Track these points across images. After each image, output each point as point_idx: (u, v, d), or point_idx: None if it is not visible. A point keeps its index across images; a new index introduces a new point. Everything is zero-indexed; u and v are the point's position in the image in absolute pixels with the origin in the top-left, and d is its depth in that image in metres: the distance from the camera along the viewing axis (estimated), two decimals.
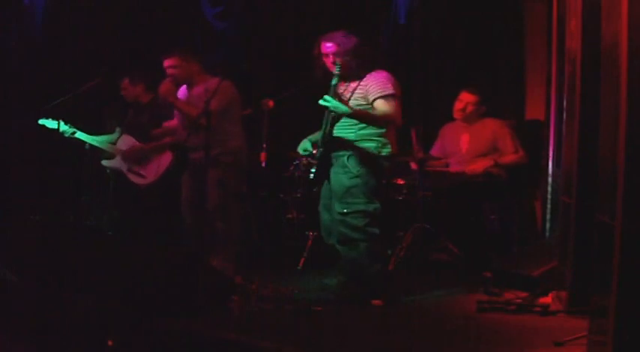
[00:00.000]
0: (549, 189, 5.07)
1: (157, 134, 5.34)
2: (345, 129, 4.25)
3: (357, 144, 4.22)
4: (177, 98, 4.72)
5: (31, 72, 6.51)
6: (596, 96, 3.49)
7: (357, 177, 4.19)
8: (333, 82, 4.15)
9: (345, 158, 4.23)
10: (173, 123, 5.11)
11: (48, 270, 4.14)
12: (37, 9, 6.56)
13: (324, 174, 4.35)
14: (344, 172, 4.23)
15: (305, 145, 4.47)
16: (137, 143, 5.59)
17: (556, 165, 4.86)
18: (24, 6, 6.51)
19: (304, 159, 5.36)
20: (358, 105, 4.19)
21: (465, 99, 5.48)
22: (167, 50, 4.80)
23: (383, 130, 4.25)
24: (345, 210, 4.19)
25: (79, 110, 5.69)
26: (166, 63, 4.76)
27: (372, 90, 4.18)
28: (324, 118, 4.25)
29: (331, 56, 4.22)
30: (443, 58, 6.08)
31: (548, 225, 5.09)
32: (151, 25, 6.58)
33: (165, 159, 5.33)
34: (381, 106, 4.16)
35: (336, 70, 4.15)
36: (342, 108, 4.09)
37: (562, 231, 4.27)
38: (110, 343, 3.43)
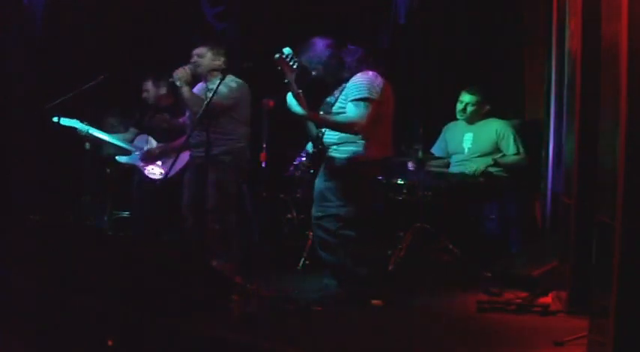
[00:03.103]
0: (549, 189, 5.07)
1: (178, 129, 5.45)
2: (329, 132, 4.24)
3: (338, 146, 4.19)
4: (186, 85, 4.72)
5: (31, 72, 6.50)
6: (596, 96, 3.49)
7: (329, 180, 4.18)
8: (286, 80, 4.08)
9: (325, 161, 4.23)
10: (183, 120, 5.17)
11: (48, 270, 4.14)
12: (37, 9, 6.56)
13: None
14: (321, 175, 4.24)
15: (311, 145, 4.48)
16: (157, 142, 5.71)
17: (556, 165, 4.85)
18: (24, 6, 6.50)
19: (304, 159, 5.36)
20: (341, 108, 4.17)
21: (465, 100, 5.48)
22: (201, 39, 4.96)
23: (365, 132, 4.15)
24: (318, 214, 4.19)
25: (82, 109, 5.70)
26: (194, 51, 4.84)
27: (350, 93, 4.13)
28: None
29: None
30: (443, 58, 6.08)
31: (548, 225, 5.09)
32: (151, 25, 6.58)
33: (184, 157, 5.32)
34: (350, 111, 4.11)
35: (292, 68, 4.08)
36: (296, 109, 4.08)
37: (562, 231, 4.27)
38: (110, 343, 3.44)
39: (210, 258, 4.53)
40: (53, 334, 3.66)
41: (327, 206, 4.16)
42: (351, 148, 4.16)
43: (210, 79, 4.79)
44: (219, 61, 4.87)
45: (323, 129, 4.25)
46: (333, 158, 4.19)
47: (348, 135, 4.15)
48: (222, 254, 4.69)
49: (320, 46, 4.24)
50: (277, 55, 4.05)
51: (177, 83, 4.67)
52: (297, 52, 4.22)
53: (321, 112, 4.26)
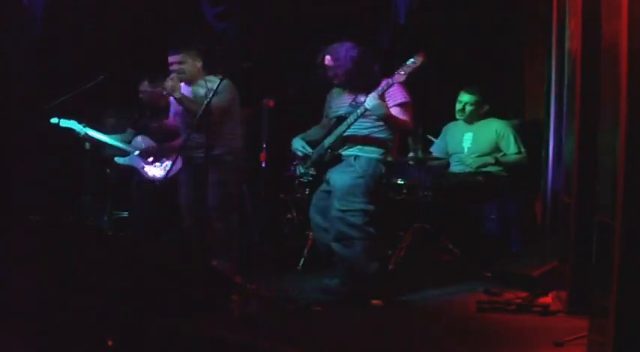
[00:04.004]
0: (549, 189, 5.07)
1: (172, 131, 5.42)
2: (355, 132, 4.31)
3: (363, 146, 4.31)
4: (182, 94, 4.71)
5: (31, 72, 6.50)
6: (596, 96, 3.49)
7: (361, 177, 4.27)
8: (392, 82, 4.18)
9: (352, 158, 4.30)
10: (170, 122, 5.14)
11: (48, 270, 4.14)
12: (37, 9, 6.55)
13: (321, 175, 4.43)
14: (349, 171, 4.29)
15: (300, 143, 4.51)
16: (155, 143, 5.69)
17: (556, 165, 4.85)
18: (24, 6, 6.50)
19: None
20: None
21: (463, 100, 5.49)
22: (173, 47, 4.84)
23: (392, 136, 4.36)
24: (344, 208, 4.22)
25: (81, 109, 5.70)
26: (171, 59, 4.79)
27: (390, 98, 4.25)
28: (340, 123, 4.29)
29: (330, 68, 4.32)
30: (443, 58, 6.07)
31: (548, 225, 5.09)
32: (150, 25, 6.57)
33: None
34: (399, 114, 4.26)
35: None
36: (380, 108, 4.15)
37: (562, 231, 4.27)
38: (110, 343, 3.44)
39: (210, 258, 4.53)
40: (53, 334, 3.66)
41: (354, 201, 4.24)
42: (381, 149, 4.33)
43: (196, 82, 4.79)
44: (200, 63, 4.85)
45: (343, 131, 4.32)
46: (366, 157, 4.30)
47: (378, 136, 4.30)
48: (222, 254, 4.69)
49: (350, 50, 4.31)
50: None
51: (174, 95, 4.65)
52: (325, 52, 4.33)
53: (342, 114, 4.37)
